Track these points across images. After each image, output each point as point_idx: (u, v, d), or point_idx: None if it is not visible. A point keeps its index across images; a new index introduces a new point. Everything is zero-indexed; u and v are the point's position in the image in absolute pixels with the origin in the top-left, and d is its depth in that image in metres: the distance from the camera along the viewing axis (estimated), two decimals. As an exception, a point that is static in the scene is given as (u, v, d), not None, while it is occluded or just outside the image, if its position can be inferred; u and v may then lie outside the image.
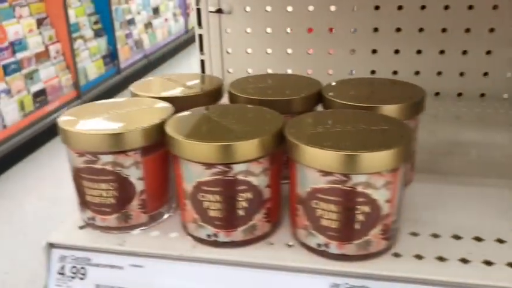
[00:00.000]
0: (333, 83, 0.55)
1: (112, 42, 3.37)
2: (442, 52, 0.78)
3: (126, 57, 3.55)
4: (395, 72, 0.80)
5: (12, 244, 1.72)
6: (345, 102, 0.49)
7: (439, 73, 0.79)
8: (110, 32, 3.34)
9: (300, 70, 0.81)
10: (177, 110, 0.48)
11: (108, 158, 0.43)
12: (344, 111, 0.47)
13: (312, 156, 0.39)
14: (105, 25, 3.31)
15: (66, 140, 0.44)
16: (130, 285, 0.45)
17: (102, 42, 3.28)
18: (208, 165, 0.41)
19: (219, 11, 0.81)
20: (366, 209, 0.39)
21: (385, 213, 0.40)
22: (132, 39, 3.66)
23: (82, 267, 0.46)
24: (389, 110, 0.48)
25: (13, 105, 2.43)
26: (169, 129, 0.43)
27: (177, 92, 0.53)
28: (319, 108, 0.53)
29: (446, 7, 0.75)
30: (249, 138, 0.40)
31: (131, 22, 3.68)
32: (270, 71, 0.83)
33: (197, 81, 0.58)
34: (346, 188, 0.39)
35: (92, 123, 0.45)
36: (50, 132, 2.61)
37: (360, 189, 0.38)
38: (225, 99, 0.56)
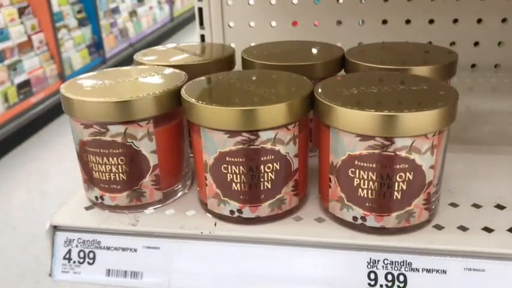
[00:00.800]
0: (356, 48, 0.51)
1: (96, 31, 3.29)
2: (455, 21, 0.74)
3: (111, 46, 3.47)
4: (406, 44, 0.76)
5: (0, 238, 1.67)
6: (372, 65, 0.45)
7: (453, 43, 0.75)
8: (94, 21, 3.26)
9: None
10: (188, 79, 0.43)
11: (118, 128, 0.39)
12: (377, 73, 0.43)
13: (350, 119, 0.35)
14: (89, 14, 3.24)
15: (70, 110, 0.39)
16: (145, 269, 0.40)
17: (86, 32, 3.20)
18: (232, 133, 0.37)
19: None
20: (409, 176, 0.36)
21: (428, 180, 0.36)
22: (117, 28, 3.58)
23: (91, 251, 0.41)
24: (421, 72, 0.44)
25: (-3, 97, 2.36)
26: (186, 95, 0.38)
27: (186, 60, 0.49)
28: (342, 73, 0.49)
29: (460, -27, 0.72)
30: (277, 102, 0.36)
31: (115, 11, 3.60)
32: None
33: (206, 49, 0.54)
34: (388, 153, 0.35)
35: (98, 91, 0.40)
36: (36, 124, 2.54)
37: (403, 154, 0.35)
38: (237, 69, 0.52)
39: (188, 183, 0.46)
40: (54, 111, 2.69)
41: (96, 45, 3.30)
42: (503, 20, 0.73)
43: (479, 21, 0.74)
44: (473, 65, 0.77)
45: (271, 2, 0.77)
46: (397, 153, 0.35)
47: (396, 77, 0.40)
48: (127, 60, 3.54)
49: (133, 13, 3.84)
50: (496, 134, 0.58)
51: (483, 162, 0.49)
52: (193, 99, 0.37)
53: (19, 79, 2.52)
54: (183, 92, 0.39)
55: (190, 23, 4.58)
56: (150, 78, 0.43)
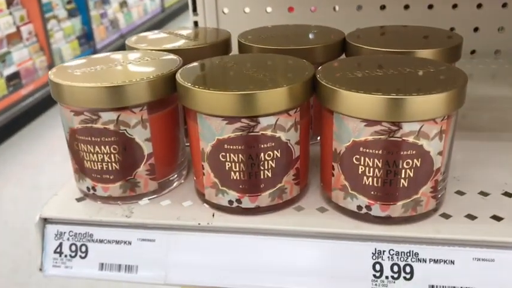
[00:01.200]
0: (356, 32, 0.49)
1: (87, 22, 3.25)
2: (455, 6, 0.73)
3: (102, 37, 3.43)
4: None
5: (-9, 233, 1.64)
6: (375, 48, 0.43)
7: (452, 29, 0.74)
8: (84, 11, 3.22)
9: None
10: (183, 64, 0.41)
11: (110, 115, 0.37)
12: (381, 56, 0.41)
13: (355, 103, 0.33)
14: (78, 5, 3.19)
15: (60, 96, 0.37)
16: (140, 262, 0.39)
17: (76, 23, 3.15)
18: (231, 119, 0.35)
19: (214, -34, 0.74)
20: (417, 162, 0.34)
21: (436, 167, 0.35)
22: (108, 19, 3.53)
23: (83, 245, 0.40)
24: (426, 55, 0.42)
25: (-15, 90, 2.33)
26: (182, 79, 0.36)
27: (181, 44, 0.47)
28: (343, 57, 0.47)
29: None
30: (278, 86, 0.34)
31: (106, 1, 3.54)
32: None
33: (201, 34, 0.52)
34: (395, 138, 0.33)
35: (89, 76, 0.38)
36: (27, 116, 2.51)
37: (411, 139, 0.33)
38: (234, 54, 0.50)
39: (184, 173, 0.44)
40: (44, 103, 2.65)
41: (87, 36, 3.25)
42: (504, 5, 0.72)
43: (479, 6, 0.72)
44: (473, 51, 0.75)
45: (267, -13, 0.75)
46: (405, 138, 0.33)
47: (401, 59, 0.39)
48: (118, 51, 3.50)
49: (123, 4, 3.79)
50: (497, 121, 0.56)
51: (486, 149, 0.48)
52: (189, 84, 0.35)
53: (8, 71, 2.48)
54: (178, 76, 0.37)
55: (182, 13, 4.54)
56: (143, 63, 0.41)
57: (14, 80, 2.52)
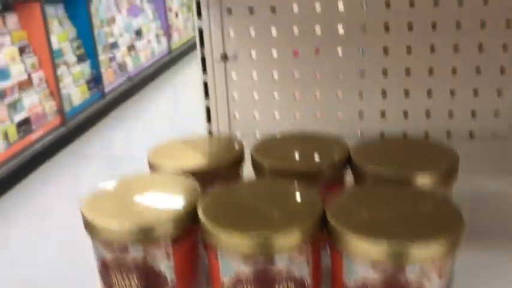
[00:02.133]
0: (359, 146, 0.53)
1: (96, 66, 3.32)
2: (452, 93, 0.77)
3: (110, 80, 3.50)
4: (405, 114, 0.79)
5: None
6: (377, 168, 0.47)
7: (451, 113, 0.78)
8: (93, 56, 3.30)
9: (308, 114, 0.80)
10: (201, 183, 0.45)
11: (138, 250, 0.41)
12: (384, 189, 0.45)
13: (362, 247, 0.36)
14: (87, 49, 3.27)
15: (92, 232, 0.41)
16: None
17: (85, 67, 3.23)
18: (248, 257, 0.38)
19: (225, 57, 0.78)
20: (419, 299, 0.37)
21: (438, 301, 0.38)
22: (116, 63, 3.62)
23: None
24: (425, 178, 0.46)
25: (-3, 136, 2.38)
26: (203, 217, 0.40)
27: (197, 162, 0.51)
28: (349, 172, 0.51)
29: (456, 47, 0.75)
30: (290, 226, 0.38)
31: (114, 45, 3.64)
32: (277, 115, 0.81)
33: (216, 145, 0.56)
34: (400, 279, 0.36)
35: (116, 210, 0.42)
36: (36, 160, 2.55)
37: (414, 279, 0.36)
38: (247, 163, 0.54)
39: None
40: (53, 147, 2.70)
41: (95, 80, 3.32)
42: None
43: (475, 92, 0.76)
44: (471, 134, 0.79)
45: (274, 76, 0.79)
46: (409, 279, 0.36)
47: (405, 194, 0.43)
48: (126, 94, 3.57)
49: (131, 47, 3.88)
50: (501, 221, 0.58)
51: (491, 263, 0.50)
52: (210, 223, 0.39)
53: (19, 117, 2.54)
54: (200, 212, 0.41)
55: (188, 54, 4.64)
56: (165, 194, 0.45)
57: (24, 125, 2.58)
